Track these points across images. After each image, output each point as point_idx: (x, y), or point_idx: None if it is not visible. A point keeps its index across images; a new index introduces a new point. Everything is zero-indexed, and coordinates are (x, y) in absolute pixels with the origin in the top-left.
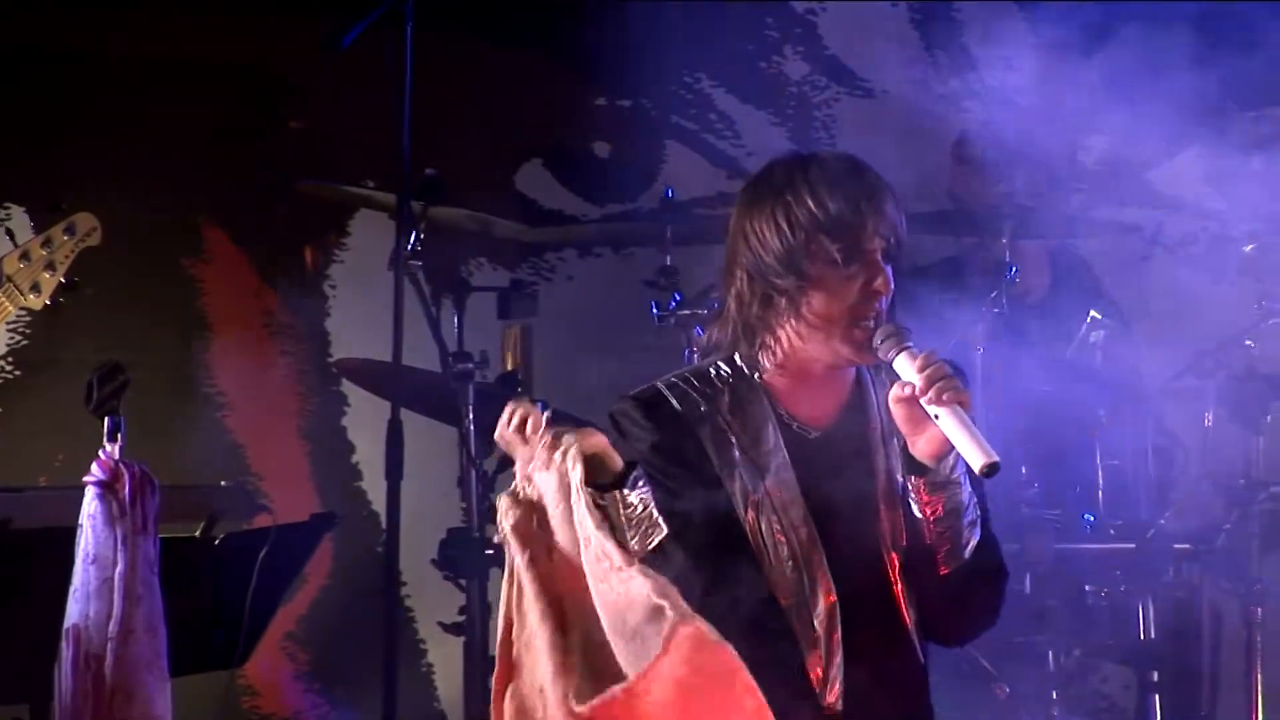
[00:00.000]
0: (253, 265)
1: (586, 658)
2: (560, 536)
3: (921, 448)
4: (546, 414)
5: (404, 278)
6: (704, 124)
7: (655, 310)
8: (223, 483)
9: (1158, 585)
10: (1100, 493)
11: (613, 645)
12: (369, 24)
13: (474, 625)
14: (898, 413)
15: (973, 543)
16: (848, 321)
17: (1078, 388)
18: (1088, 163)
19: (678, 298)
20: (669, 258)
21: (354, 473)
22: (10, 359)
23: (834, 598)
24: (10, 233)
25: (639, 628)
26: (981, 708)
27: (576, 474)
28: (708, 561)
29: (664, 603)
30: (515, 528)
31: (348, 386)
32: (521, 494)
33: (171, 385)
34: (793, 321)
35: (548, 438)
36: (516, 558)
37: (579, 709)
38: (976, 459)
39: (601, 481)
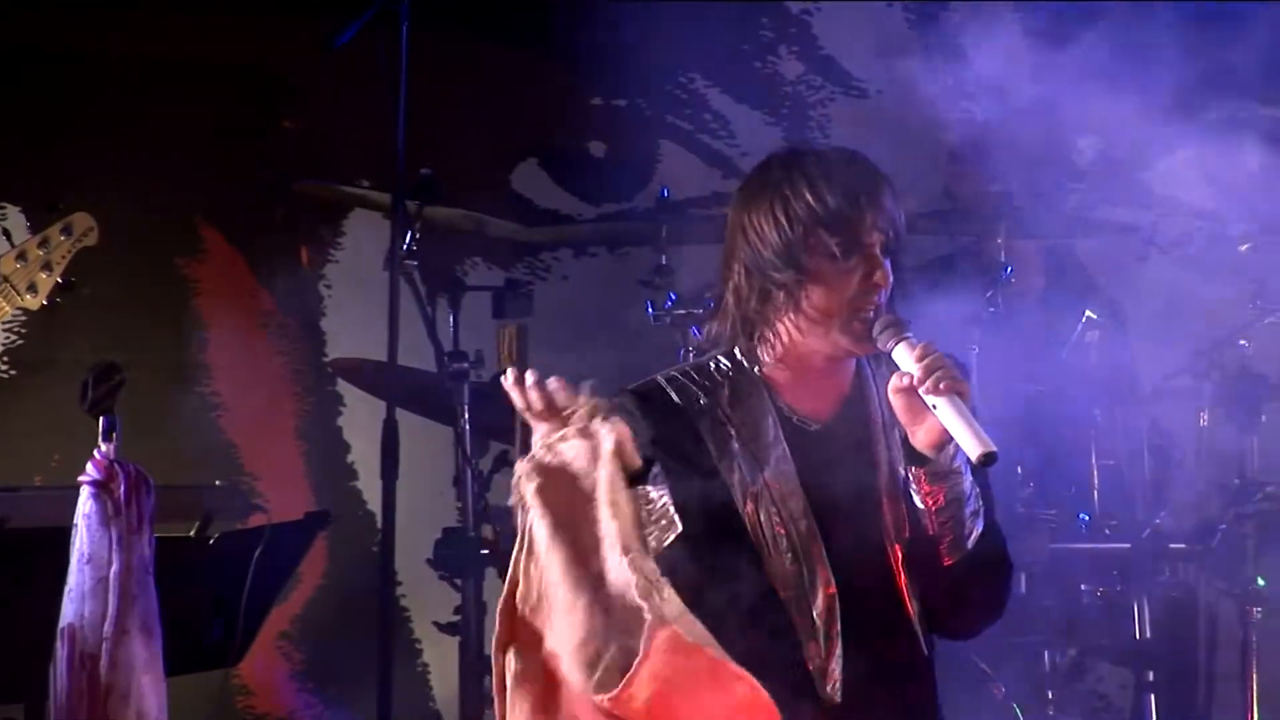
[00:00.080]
0: (248, 265)
1: (600, 619)
2: (582, 502)
3: (921, 438)
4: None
5: (399, 277)
6: (699, 124)
7: (650, 309)
8: (217, 482)
9: (1153, 585)
10: (1095, 492)
11: (619, 614)
12: (363, 24)
13: (469, 625)
14: (897, 403)
15: (975, 533)
16: (847, 315)
17: (1073, 387)
18: (1083, 162)
19: (673, 297)
20: (664, 257)
21: (349, 472)
22: (6, 359)
23: (833, 590)
24: (7, 233)
25: (627, 619)
26: (977, 707)
27: (609, 444)
28: (707, 554)
29: (643, 604)
30: (540, 490)
31: (343, 386)
32: (544, 460)
33: (167, 385)
34: (791, 315)
35: (586, 407)
36: (536, 521)
37: (599, 698)
38: (973, 448)
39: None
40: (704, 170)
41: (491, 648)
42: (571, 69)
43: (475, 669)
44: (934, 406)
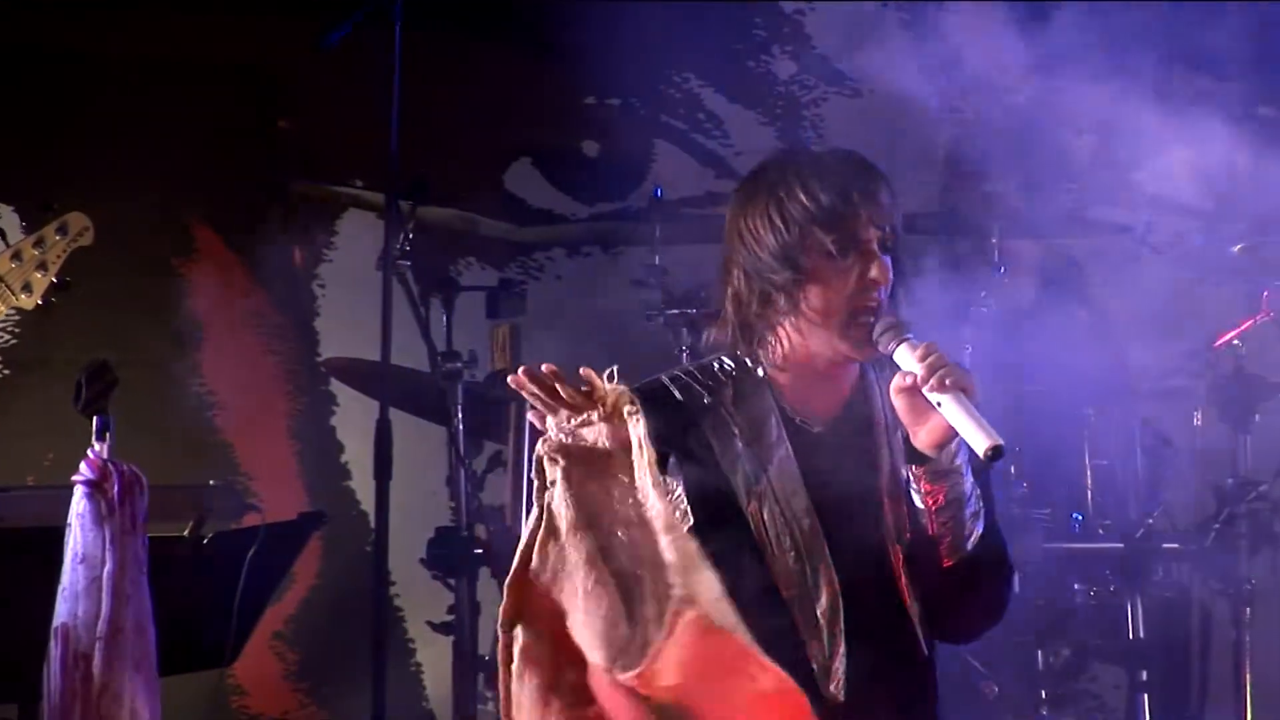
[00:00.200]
0: (243, 265)
1: (625, 599)
2: (609, 484)
3: (923, 438)
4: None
5: (393, 277)
6: (693, 123)
7: (644, 309)
8: (211, 482)
9: (1147, 585)
10: (1089, 492)
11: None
12: (356, 23)
13: (463, 624)
14: (899, 403)
15: (975, 534)
16: (847, 315)
17: (1066, 387)
18: (1077, 163)
19: (667, 297)
20: (658, 257)
21: (343, 472)
22: (0, 358)
23: (837, 589)
24: (2, 232)
25: (655, 599)
26: (970, 707)
27: (642, 428)
28: (711, 551)
29: (675, 583)
30: (566, 472)
31: (337, 386)
32: (569, 443)
33: (161, 384)
34: (792, 318)
35: (612, 394)
36: (559, 501)
37: (622, 676)
38: (980, 442)
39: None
40: (697, 170)
41: (498, 619)
42: (565, 68)
43: (469, 668)
44: (939, 404)
